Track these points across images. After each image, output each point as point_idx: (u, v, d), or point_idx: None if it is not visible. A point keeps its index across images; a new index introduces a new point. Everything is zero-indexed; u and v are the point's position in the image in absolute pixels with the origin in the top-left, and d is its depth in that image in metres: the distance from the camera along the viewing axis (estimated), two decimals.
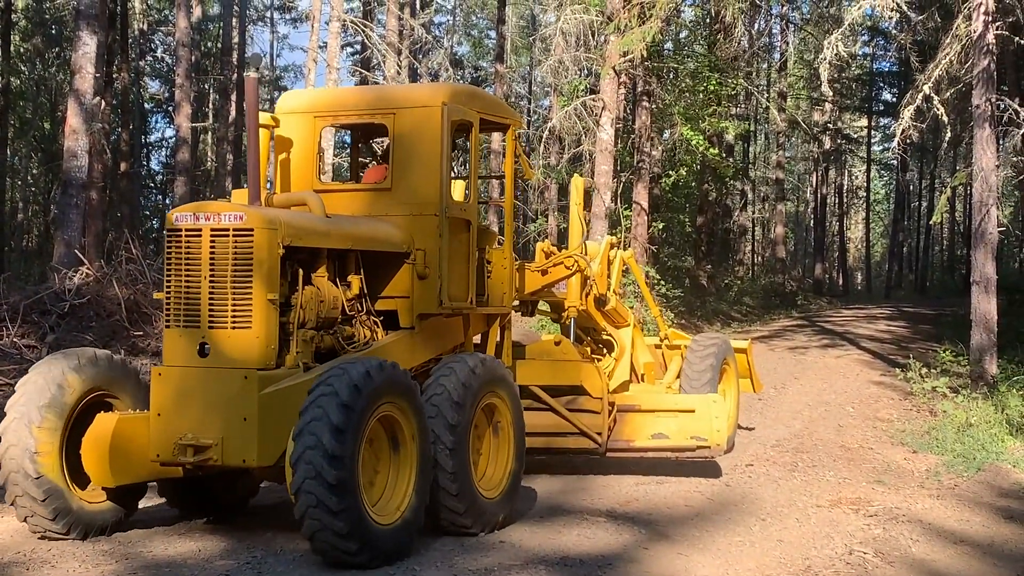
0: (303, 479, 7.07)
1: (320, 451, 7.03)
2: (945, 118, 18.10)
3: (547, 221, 33.39)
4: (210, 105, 47.84)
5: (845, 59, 22.72)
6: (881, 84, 57.89)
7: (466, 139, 10.26)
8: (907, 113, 18.23)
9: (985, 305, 16.68)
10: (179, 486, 8.69)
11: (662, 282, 27.54)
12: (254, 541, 8.27)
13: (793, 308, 39.33)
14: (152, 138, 52.69)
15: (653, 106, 29.74)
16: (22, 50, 37.76)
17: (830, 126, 51.92)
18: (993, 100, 16.68)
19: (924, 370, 17.71)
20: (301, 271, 8.38)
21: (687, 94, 31.15)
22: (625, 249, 13.78)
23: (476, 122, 9.77)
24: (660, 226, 31.61)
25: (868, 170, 61.61)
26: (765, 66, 45.77)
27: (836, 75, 42.02)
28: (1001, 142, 17.19)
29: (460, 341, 9.91)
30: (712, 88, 30.14)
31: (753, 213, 55.65)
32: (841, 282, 60.90)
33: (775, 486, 10.87)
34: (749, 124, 45.10)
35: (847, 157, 61.03)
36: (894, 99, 54.35)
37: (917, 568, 8.04)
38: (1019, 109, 16.49)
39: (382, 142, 10.86)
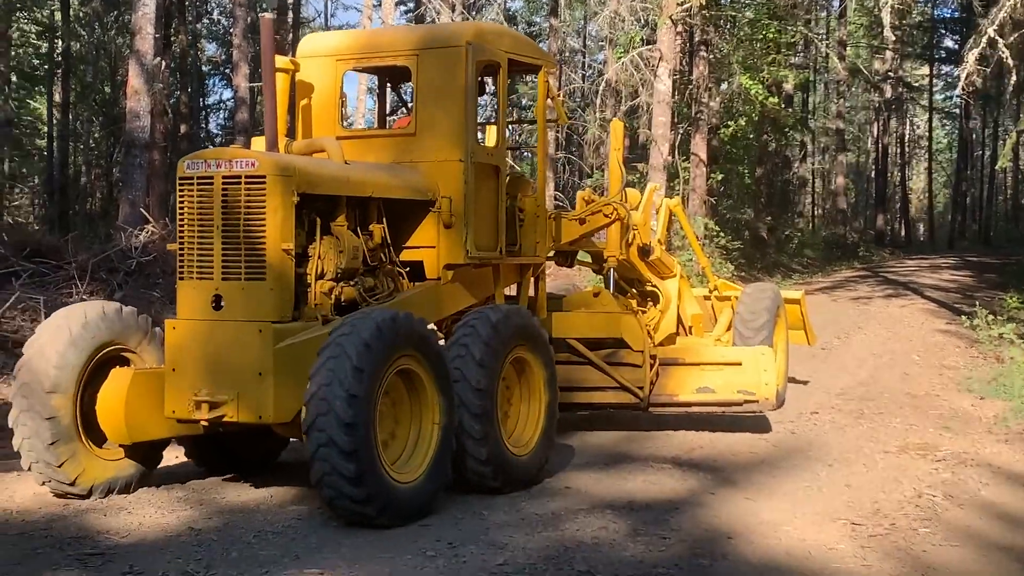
0: (317, 446, 6.85)
1: (333, 418, 6.79)
2: (1010, 62, 17.73)
3: (603, 176, 33.27)
4: None
5: (907, 4, 22.29)
6: (943, 31, 56.81)
7: (494, 81, 9.75)
8: (971, 58, 17.91)
9: None
10: (201, 443, 8.45)
11: (721, 234, 27.34)
12: None
13: (855, 259, 38.94)
14: (210, 100, 53.02)
15: (711, 56, 29.42)
16: (81, 14, 38.03)
17: (891, 74, 51.05)
18: None
19: (990, 318, 17.49)
20: (319, 220, 8.08)
21: (745, 43, 30.72)
22: (676, 199, 13.44)
23: (504, 63, 9.33)
24: (719, 178, 31.32)
25: (930, 119, 60.59)
26: (824, 14, 45.08)
27: (897, 22, 41.19)
28: None
29: (490, 293, 9.57)
30: (771, 37, 29.70)
31: (813, 164, 54.98)
32: (903, 233, 60.10)
33: (841, 433, 10.81)
34: (808, 74, 44.43)
35: (908, 106, 60.09)
36: (956, 46, 53.37)
37: (988, 511, 7.97)
38: None
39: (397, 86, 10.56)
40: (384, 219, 8.65)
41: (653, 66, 23.83)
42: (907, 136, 65.05)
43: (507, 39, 9.60)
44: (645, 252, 11.72)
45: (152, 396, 7.77)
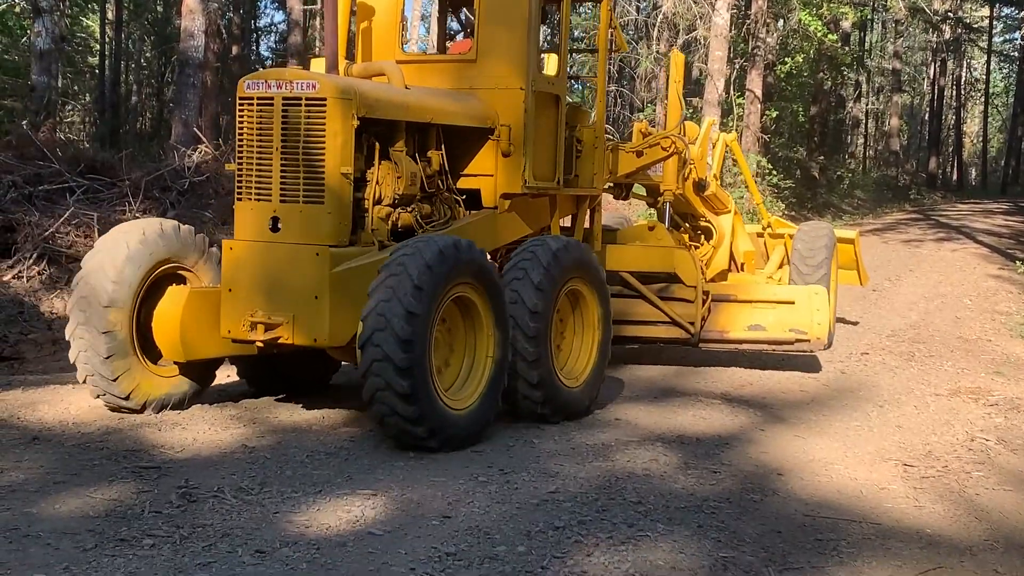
0: (371, 361, 6.83)
1: (390, 333, 6.77)
2: None
3: (655, 110, 32.95)
4: None
5: None
6: None
7: (557, 9, 9.51)
8: None
9: None
10: (254, 363, 8.48)
11: (773, 172, 27.09)
12: None
13: (906, 202, 38.54)
14: (261, 23, 52.87)
15: None
16: None
17: (950, 14, 50.09)
18: None
19: None
20: (378, 144, 7.99)
21: None
22: (732, 135, 13.26)
23: None
24: (773, 115, 30.96)
25: (988, 62, 59.55)
26: None
27: None
28: None
29: (546, 223, 9.54)
30: None
31: (867, 105, 54.19)
32: (956, 177, 59.34)
33: (891, 374, 10.73)
34: (867, 12, 43.62)
35: (966, 47, 58.93)
36: None
37: None
38: None
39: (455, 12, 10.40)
40: (443, 146, 8.57)
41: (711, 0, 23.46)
42: (963, 78, 63.92)
43: None
44: (700, 187, 11.53)
45: (207, 315, 7.75)
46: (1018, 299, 16.41)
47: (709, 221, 11.96)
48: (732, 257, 12.17)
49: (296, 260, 7.49)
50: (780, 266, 12.74)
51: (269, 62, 51.31)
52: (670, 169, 11.03)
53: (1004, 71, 70.03)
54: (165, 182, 15.83)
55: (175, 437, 7.50)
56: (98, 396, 7.91)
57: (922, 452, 7.78)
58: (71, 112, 39.78)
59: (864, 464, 7.41)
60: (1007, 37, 63.14)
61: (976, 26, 57.31)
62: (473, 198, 8.90)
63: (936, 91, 57.31)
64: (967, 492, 6.87)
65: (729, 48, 25.06)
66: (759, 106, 27.74)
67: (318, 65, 8.69)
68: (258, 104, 7.65)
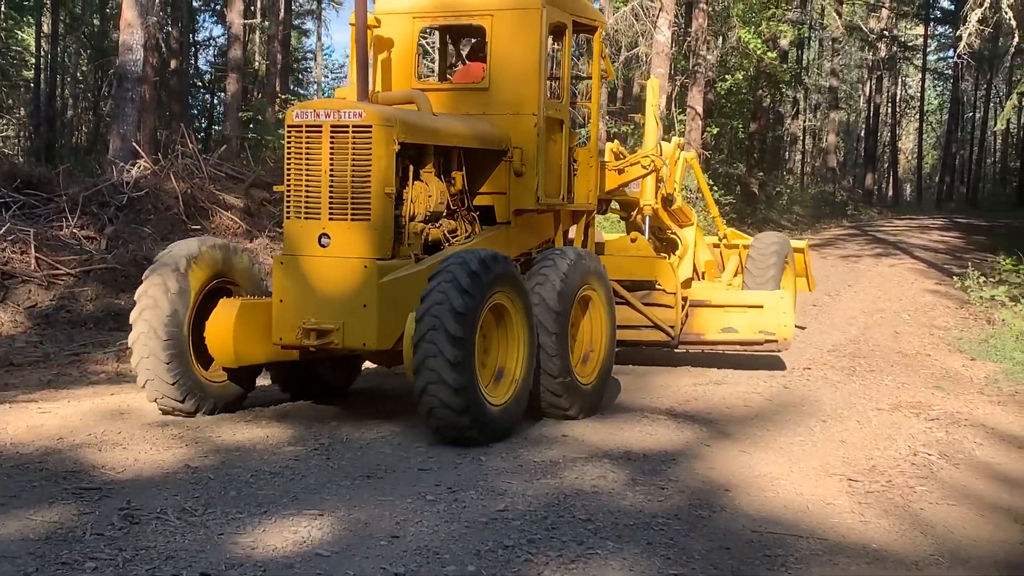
0: (424, 357, 7.52)
1: (442, 332, 7.47)
2: (1014, 23, 17.63)
3: (600, 126, 33.12)
4: (259, 3, 47.47)
5: None
6: None
7: (558, 41, 10.39)
8: (973, 18, 17.81)
9: None
10: (290, 370, 9.18)
11: (714, 188, 27.28)
12: (320, 429, 8.37)
13: (844, 217, 39.00)
14: (200, 36, 52.45)
15: (710, 8, 29.20)
16: None
17: (886, 33, 50.89)
18: None
19: (981, 279, 17.50)
20: (411, 166, 8.71)
21: None
22: (692, 153, 13.95)
23: (570, 24, 10.02)
24: (713, 131, 31.25)
25: (923, 79, 60.51)
26: None
27: None
28: None
29: (550, 236, 10.32)
30: None
31: (805, 121, 54.88)
32: (891, 192, 60.20)
33: (834, 389, 10.82)
34: (805, 30, 44.20)
35: (902, 66, 59.90)
36: (952, 6, 53.16)
37: (983, 470, 7.99)
38: None
39: (469, 42, 11.12)
40: (463, 167, 9.39)
41: (653, 16, 23.65)
42: (899, 96, 64.88)
43: (571, 2, 10.17)
44: (668, 201, 12.44)
45: (256, 324, 8.49)
46: (955, 314, 16.66)
47: (675, 233, 12.82)
48: (694, 266, 12.92)
49: (345, 272, 8.22)
50: (735, 274, 13.67)
51: (209, 75, 50.97)
52: (649, 186, 11.94)
53: (938, 89, 71.34)
54: (103, 197, 15.61)
55: (116, 457, 7.38)
56: (155, 400, 8.54)
57: (866, 467, 7.85)
58: (5, 126, 39.23)
59: (809, 479, 7.46)
60: (941, 55, 64.29)
61: (911, 44, 58.29)
62: (487, 214, 9.75)
63: (872, 108, 58.16)
64: (911, 507, 6.94)
65: (670, 65, 25.26)
66: (700, 123, 27.98)
67: (343, 93, 9.36)
68: (307, 131, 8.33)
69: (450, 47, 11.22)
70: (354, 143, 8.20)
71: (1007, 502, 7.24)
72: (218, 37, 50.79)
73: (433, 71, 11.40)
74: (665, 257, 12.04)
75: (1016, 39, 19.70)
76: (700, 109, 27.92)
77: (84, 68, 41.68)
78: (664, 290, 11.53)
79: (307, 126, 8.31)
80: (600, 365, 9.40)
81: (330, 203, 8.25)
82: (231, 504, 6.38)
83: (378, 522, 6.08)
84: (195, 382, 8.57)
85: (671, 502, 6.74)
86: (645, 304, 11.46)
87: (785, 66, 36.33)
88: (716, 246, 14.19)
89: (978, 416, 9.76)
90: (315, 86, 60.25)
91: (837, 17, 39.91)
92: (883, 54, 52.08)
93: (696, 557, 5.76)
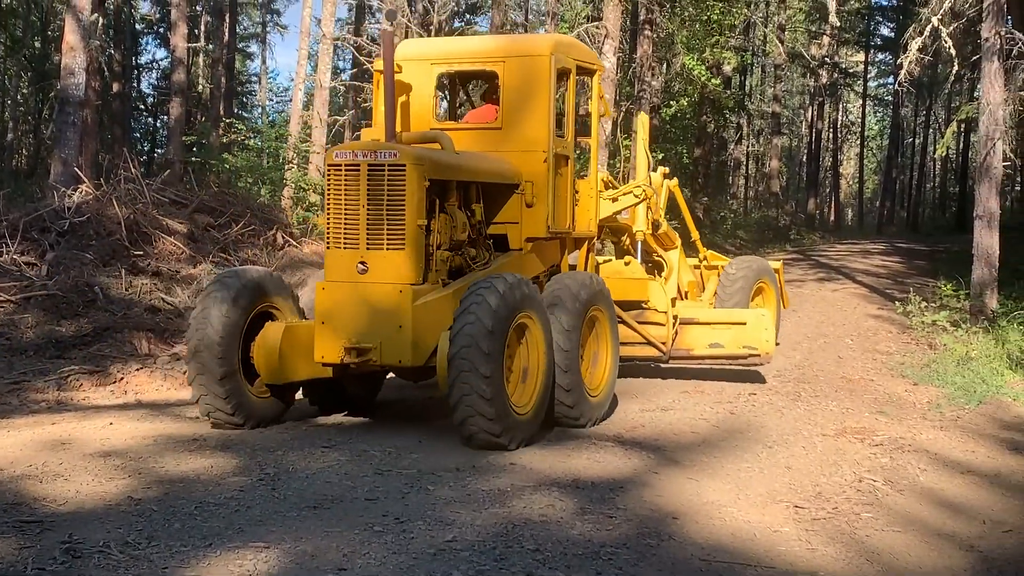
0: (459, 371, 8.38)
1: (475, 349, 8.35)
2: (953, 52, 17.93)
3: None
4: (203, 27, 47.25)
5: None
6: (879, 18, 57.55)
7: (562, 82, 11.11)
8: (913, 46, 18.06)
9: (988, 240, 16.66)
10: (321, 386, 10.00)
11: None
12: (266, 459, 8.28)
13: (787, 242, 39.36)
14: (143, 60, 52.06)
15: (654, 35, 29.44)
16: None
17: (827, 60, 51.60)
18: (1003, 33, 16.53)
19: (923, 304, 17.72)
20: (437, 200, 9.62)
21: (688, 23, 30.80)
22: (674, 181, 14.68)
23: (573, 69, 10.95)
24: (658, 157, 31.44)
25: (863, 105, 61.50)
26: None
27: (837, 7, 41.59)
28: (1008, 76, 16.97)
29: (557, 261, 11.26)
30: (714, 18, 29.81)
31: (748, 147, 55.42)
32: (833, 217, 60.86)
33: (779, 415, 10.89)
34: (748, 57, 44.70)
35: (843, 92, 60.76)
36: (892, 34, 54.05)
37: (927, 496, 8.07)
38: None
39: (479, 84, 12.24)
40: (481, 199, 10.37)
41: (598, 43, 23.79)
42: (840, 122, 65.72)
43: (575, 49, 11.20)
44: (655, 226, 13.36)
45: (299, 344, 9.40)
46: (898, 339, 16.85)
47: (661, 256, 13.79)
48: (678, 287, 13.94)
49: (382, 296, 9.12)
50: (715, 294, 14.59)
51: (151, 99, 50.58)
52: (640, 213, 12.88)
53: (879, 115, 72.46)
54: (44, 223, 15.38)
55: (57, 489, 7.26)
56: (208, 414, 9.33)
57: (812, 493, 7.90)
58: None
59: (756, 506, 7.49)
60: (881, 82, 65.29)
61: (852, 71, 59.24)
62: (500, 242, 10.73)
63: (814, 134, 58.87)
64: (857, 534, 6.99)
65: (615, 91, 25.40)
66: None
67: (369, 134, 10.55)
68: (346, 170, 9.24)
69: (459, 90, 12.21)
70: (389, 180, 9.10)
71: (951, 528, 7.31)
72: (161, 60, 50.45)
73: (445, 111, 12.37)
74: (656, 278, 13.01)
75: (955, 67, 20.03)
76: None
77: (25, 91, 41.20)
78: (656, 309, 12.42)
79: (346, 165, 9.21)
80: (606, 380, 10.42)
81: (368, 234, 9.15)
82: (175, 537, 6.29)
83: (325, 554, 6.02)
84: (244, 398, 9.33)
85: (620, 531, 6.74)
86: (639, 322, 12.31)
87: (729, 92, 36.71)
88: (697, 267, 15.09)
89: (921, 441, 9.86)
90: (260, 109, 60.02)
91: (779, 44, 40.48)
92: (824, 81, 52.78)
93: None
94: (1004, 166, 17.21)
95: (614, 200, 12.42)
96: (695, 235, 15.31)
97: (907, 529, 7.18)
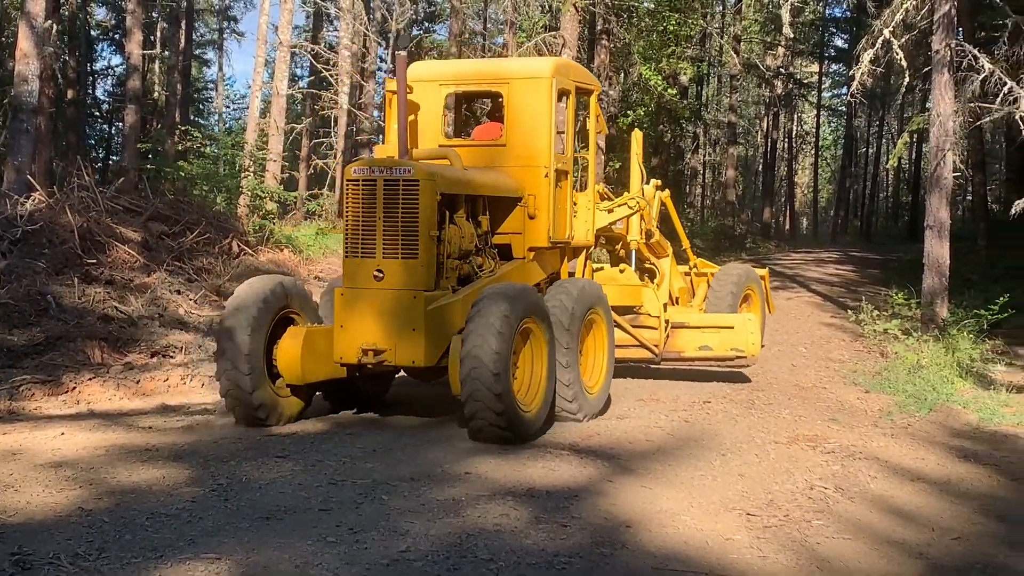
0: (471, 368, 9.07)
1: (486, 348, 9.04)
2: (904, 63, 18.12)
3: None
4: (159, 33, 46.93)
5: (803, 2, 22.68)
6: (833, 30, 58.06)
7: (561, 101, 11.83)
8: (866, 58, 18.21)
9: (938, 249, 16.83)
10: (336, 385, 10.65)
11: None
12: (219, 469, 8.24)
13: (742, 251, 39.54)
14: (98, 66, 51.63)
15: (611, 45, 29.55)
16: None
17: (782, 70, 51.97)
18: (953, 45, 16.72)
19: (875, 313, 17.84)
20: (448, 212, 10.33)
21: (645, 34, 30.94)
22: (666, 192, 15.28)
23: (573, 89, 11.74)
24: (616, 166, 31.56)
25: (817, 115, 61.91)
26: (720, 8, 45.64)
27: (792, 19, 41.96)
28: (958, 88, 17.14)
29: (557, 269, 12.04)
30: (671, 29, 29.96)
31: (705, 156, 55.72)
32: (788, 226, 61.24)
33: (733, 423, 10.95)
34: (704, 67, 44.94)
35: (797, 102, 61.15)
36: (845, 45, 54.58)
37: (878, 504, 8.14)
38: (978, 55, 16.50)
39: (483, 104, 13.16)
40: (488, 211, 11.11)
41: (556, 52, 23.85)
42: (795, 131, 66.20)
43: (573, 71, 12.10)
44: (649, 235, 13.98)
45: (319, 347, 10.09)
46: (850, 347, 16.99)
47: (653, 264, 14.52)
48: (669, 293, 14.66)
49: (397, 302, 9.85)
50: (704, 299, 15.38)
51: (106, 106, 50.15)
52: (634, 223, 13.49)
53: (833, 125, 73.00)
54: None
55: (7, 500, 7.18)
56: (232, 408, 9.98)
57: (764, 501, 7.95)
58: None
59: (709, 514, 7.53)
60: (835, 92, 65.78)
61: (806, 81, 59.61)
62: (504, 251, 11.48)
63: (769, 143, 59.22)
64: (808, 541, 7.04)
65: None
66: (602, 157, 28.22)
67: (380, 151, 11.54)
68: (363, 185, 9.97)
69: (464, 109, 13.03)
70: (404, 195, 9.83)
71: (901, 535, 7.38)
72: (117, 66, 50.07)
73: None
74: (649, 284, 13.72)
75: (907, 78, 20.24)
76: (603, 144, 28.17)
77: None
78: (649, 313, 13.18)
79: (363, 180, 9.94)
80: (603, 379, 11.15)
81: (384, 244, 9.89)
82: (126, 548, 6.24)
83: (277, 565, 5.99)
84: (268, 394, 9.98)
85: (573, 540, 6.75)
86: (633, 326, 13.01)
87: (685, 102, 36.87)
88: (687, 274, 15.85)
89: (872, 449, 9.96)
90: (216, 116, 59.71)
91: (735, 55, 40.71)
92: (780, 91, 53.15)
93: None
94: (954, 176, 17.39)
95: (610, 211, 13.10)
96: (686, 244, 16.04)
97: (857, 536, 7.24)
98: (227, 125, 56.27)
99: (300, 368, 9.98)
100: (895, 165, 48.44)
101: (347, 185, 10.12)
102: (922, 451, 10.05)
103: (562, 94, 11.56)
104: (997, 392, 12.97)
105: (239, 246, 18.50)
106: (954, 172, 17.30)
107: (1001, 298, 16.11)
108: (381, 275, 9.89)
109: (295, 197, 27.86)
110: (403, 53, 10.69)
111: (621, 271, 13.48)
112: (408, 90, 10.87)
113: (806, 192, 76.48)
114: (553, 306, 10.40)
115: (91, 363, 12.76)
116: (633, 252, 13.75)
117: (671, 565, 6.37)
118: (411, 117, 11.36)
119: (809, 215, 71.36)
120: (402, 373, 11.14)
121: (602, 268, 13.68)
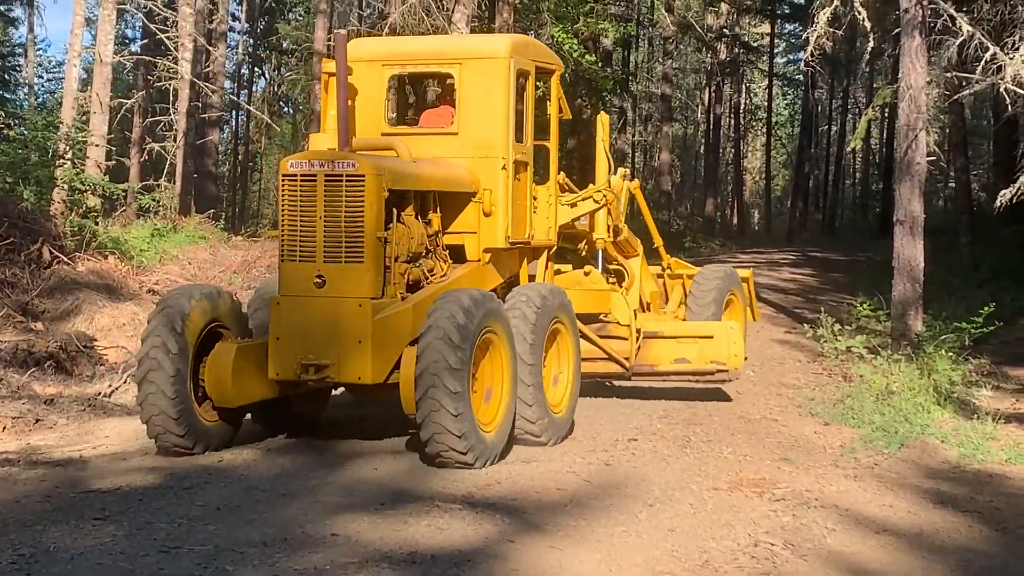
0: (427, 387, 9.74)
1: (443, 364, 9.71)
2: (867, 24, 18.34)
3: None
4: None
5: None
6: None
7: (523, 85, 12.52)
8: (822, 17, 18.40)
9: (910, 250, 16.90)
10: (268, 406, 11.23)
11: None
12: (20, 536, 8.10)
13: (680, 251, 39.85)
14: None
15: (517, 1, 29.65)
16: None
17: (726, 32, 52.62)
18: (926, 3, 16.90)
19: (837, 327, 18.05)
20: (396, 211, 10.95)
21: None
22: (635, 183, 15.89)
23: (532, 70, 12.50)
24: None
25: (770, 86, 62.50)
26: None
27: None
28: (933, 54, 17.45)
29: (516, 272, 12.80)
30: None
31: (634, 136, 56.17)
32: (736, 221, 61.89)
33: (664, 465, 11.02)
34: (631, 28, 45.29)
35: (746, 70, 61.82)
36: (802, 1, 55.37)
37: (834, 562, 8.26)
38: (955, 15, 16.66)
39: (430, 86, 14.07)
40: (439, 209, 11.80)
41: (448, 10, 23.88)
42: (743, 106, 66.78)
43: (532, 48, 12.96)
44: (616, 232, 14.59)
45: (252, 365, 10.69)
46: (807, 369, 17.23)
47: (621, 264, 15.14)
48: (640, 297, 15.34)
49: (341, 311, 10.46)
50: (679, 305, 16.19)
51: None
52: (601, 219, 14.11)
53: (788, 97, 74.02)
54: None
55: None
56: (156, 436, 10.57)
57: (698, 562, 8.03)
58: None
59: None
60: (790, 58, 66.78)
61: (755, 45, 60.34)
62: (456, 253, 12.09)
63: (712, 120, 59.95)
64: None
65: None
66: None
67: (318, 140, 12.15)
68: (301, 180, 10.61)
69: (410, 92, 13.78)
70: (347, 191, 10.43)
71: None
72: None
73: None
74: (618, 289, 14.37)
75: (871, 42, 20.49)
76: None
77: None
78: (618, 322, 13.80)
79: (302, 175, 10.56)
80: (568, 395, 11.93)
81: (325, 247, 10.50)
82: None
83: None
84: (195, 420, 10.58)
85: None
86: (601, 336, 13.66)
87: (608, 71, 37.14)
88: (660, 276, 16.59)
89: (831, 495, 10.10)
90: (25, 89, 58.70)
91: (668, 13, 41.08)
92: (724, 57, 53.88)
93: None
94: (929, 161, 17.57)
95: (573, 205, 13.63)
96: (658, 241, 16.67)
97: None
98: (39, 100, 55.39)
99: (231, 388, 10.55)
100: (860, 147, 49.25)
101: (283, 181, 10.63)
102: (890, 496, 10.22)
103: (521, 75, 12.20)
104: (981, 422, 13.14)
105: (51, 252, 18.23)
106: (929, 155, 17.44)
107: (986, 307, 16.42)
108: (322, 281, 10.49)
109: (124, 190, 27.44)
110: (343, 31, 11.31)
111: (586, 274, 13.97)
112: (347, 71, 11.30)
113: (757, 179, 77.43)
114: (513, 316, 11.01)
115: None
116: (600, 252, 14.23)
117: None
118: (350, 101, 11.70)
119: (761, 207, 72.16)
120: (341, 390, 11.77)
121: (565, 270, 14.21)
